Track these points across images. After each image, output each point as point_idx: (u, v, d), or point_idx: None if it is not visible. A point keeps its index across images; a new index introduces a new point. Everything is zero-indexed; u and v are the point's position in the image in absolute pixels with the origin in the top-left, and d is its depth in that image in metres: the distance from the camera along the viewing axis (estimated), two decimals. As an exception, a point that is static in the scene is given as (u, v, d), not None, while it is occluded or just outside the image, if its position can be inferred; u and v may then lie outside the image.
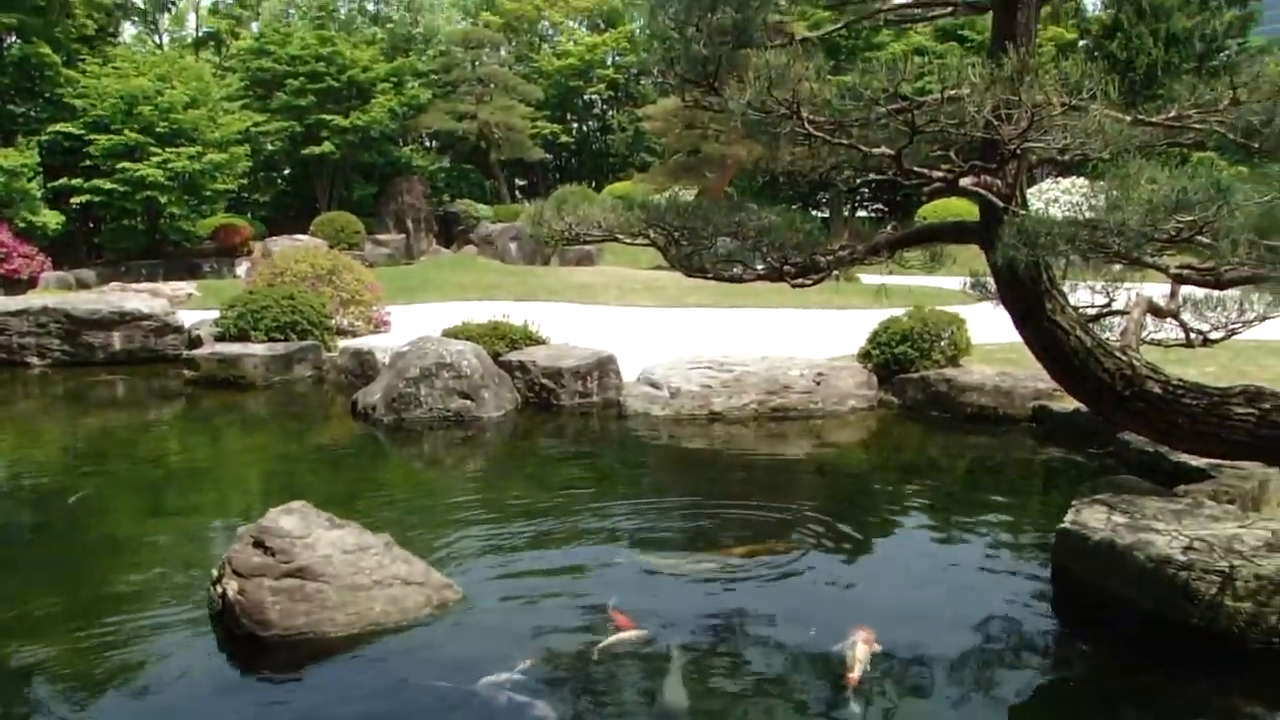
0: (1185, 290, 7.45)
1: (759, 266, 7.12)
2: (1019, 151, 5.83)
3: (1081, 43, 41.97)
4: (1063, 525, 6.39)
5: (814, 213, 39.45)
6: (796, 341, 15.81)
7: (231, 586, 5.97)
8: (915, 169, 6.07)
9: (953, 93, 5.29)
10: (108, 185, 29.69)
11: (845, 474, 10.61)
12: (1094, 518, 6.24)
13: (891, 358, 12.92)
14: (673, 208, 7.20)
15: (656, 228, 7.11)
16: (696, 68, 6.46)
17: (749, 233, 7.07)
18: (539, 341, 14.35)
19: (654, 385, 12.61)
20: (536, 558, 7.54)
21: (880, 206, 44.44)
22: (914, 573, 7.28)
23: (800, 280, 7.05)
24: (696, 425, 11.96)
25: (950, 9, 6.87)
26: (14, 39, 32.31)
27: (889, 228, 7.49)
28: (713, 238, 7.19)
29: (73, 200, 30.28)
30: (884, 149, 5.90)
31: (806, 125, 5.71)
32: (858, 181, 34.66)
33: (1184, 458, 8.35)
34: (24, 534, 8.90)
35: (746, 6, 6.76)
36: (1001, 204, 6.02)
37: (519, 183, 49.60)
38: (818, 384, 12.51)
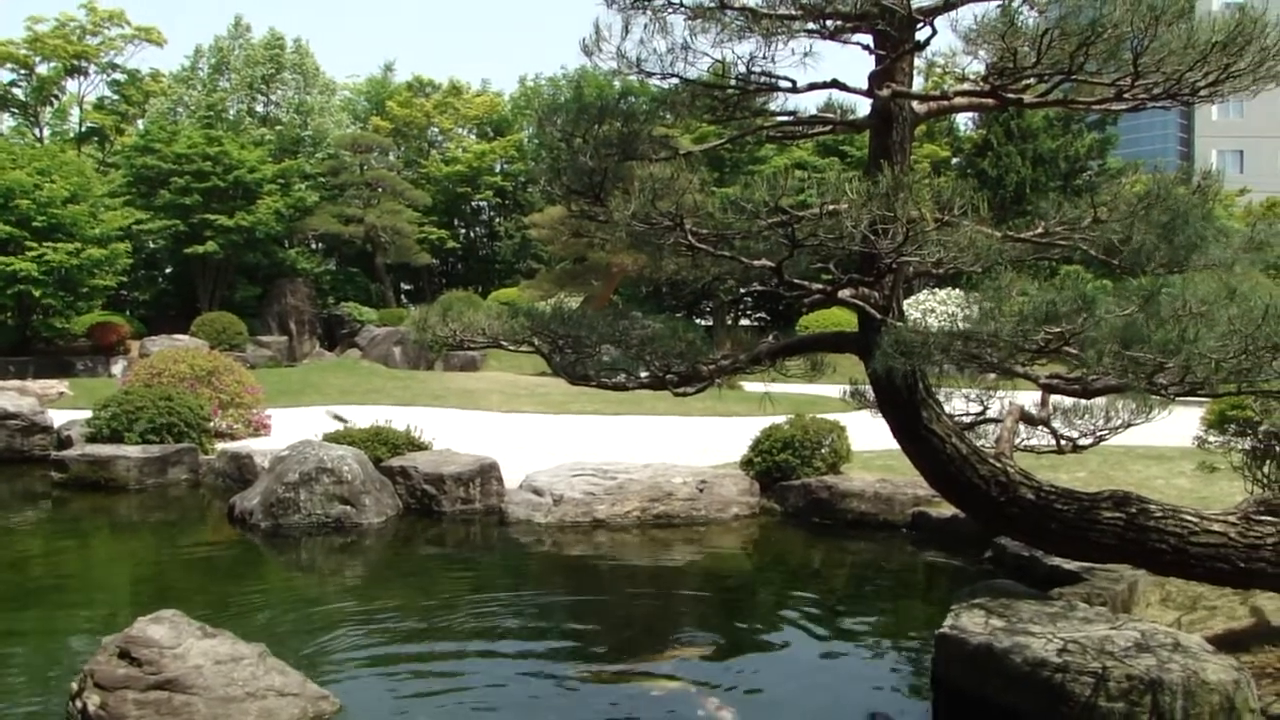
0: (1055, 399, 7.68)
1: (642, 375, 7.17)
2: (895, 264, 6.01)
3: (955, 160, 43.66)
4: (942, 630, 6.45)
5: (698, 321, 39.98)
6: (680, 449, 15.90)
7: (93, 700, 5.73)
8: (796, 280, 6.22)
9: (832, 207, 5.45)
10: (-23, 278, 28.93)
11: (727, 581, 10.62)
12: (972, 622, 6.32)
13: (773, 465, 13.05)
14: (557, 316, 7.24)
15: (541, 335, 7.13)
16: (583, 179, 6.56)
17: (633, 341, 7.12)
18: (422, 447, 14.21)
19: (537, 492, 12.53)
20: (416, 666, 7.38)
21: (763, 315, 45.18)
22: (793, 680, 7.27)
23: (683, 389, 7.11)
24: (579, 532, 11.90)
25: (830, 126, 7.10)
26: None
27: (770, 337, 7.63)
28: (597, 346, 7.23)
29: (-61, 295, 29.44)
30: (765, 261, 6.04)
31: (690, 237, 5.83)
32: (741, 291, 35.29)
33: (1058, 561, 8.56)
34: None
35: (633, 120, 6.92)
36: (879, 315, 6.18)
37: (405, 287, 49.44)
38: (701, 491, 12.56)
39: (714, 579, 10.58)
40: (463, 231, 51.82)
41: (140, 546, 12.33)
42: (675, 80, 6.54)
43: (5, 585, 10.31)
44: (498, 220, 51.03)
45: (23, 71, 43.05)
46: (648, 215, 5.74)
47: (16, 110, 43.90)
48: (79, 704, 5.83)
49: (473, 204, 50.51)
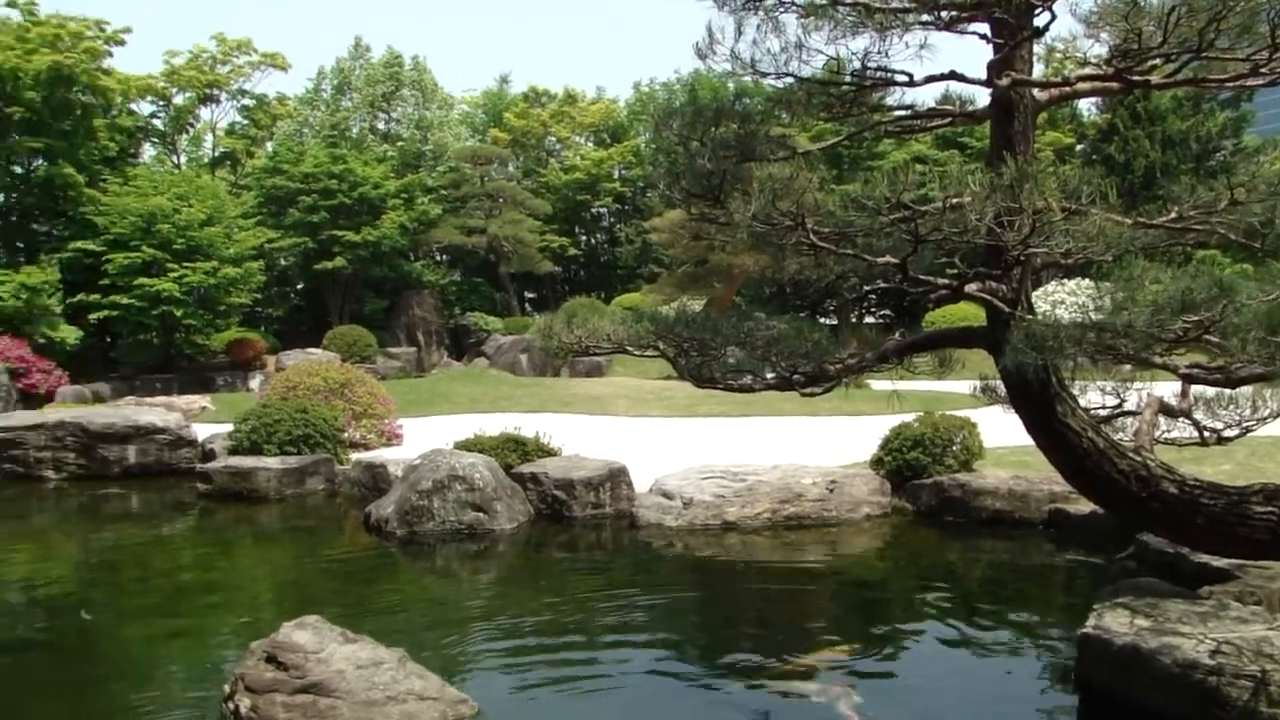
0: (1196, 389, 7.43)
1: (768, 376, 7.13)
2: (1022, 257, 5.88)
3: (1079, 147, 42.52)
4: (1084, 630, 6.30)
5: (822, 320, 39.64)
6: (808, 449, 15.78)
7: (244, 703, 5.92)
8: (920, 277, 6.12)
9: (955, 201, 5.35)
10: (125, 300, 30.26)
11: (860, 581, 10.51)
12: (1116, 622, 6.16)
13: (904, 464, 12.88)
14: (681, 319, 7.23)
15: (665, 339, 7.13)
16: (701, 181, 6.55)
17: (758, 342, 7.09)
18: (551, 453, 14.35)
19: (667, 496, 12.55)
20: (551, 670, 7.46)
21: (888, 312, 44.57)
22: (931, 682, 7.17)
23: (810, 389, 7.05)
24: (710, 535, 11.88)
25: (948, 119, 6.98)
26: (40, 161, 33.14)
27: (897, 334, 7.54)
28: (721, 348, 7.21)
29: (91, 316, 30.80)
30: (888, 258, 5.95)
31: (811, 236, 5.78)
32: (865, 289, 34.88)
33: (1205, 558, 8.26)
34: (36, 650, 8.83)
35: (749, 121, 6.89)
36: (1007, 308, 6.05)
37: (529, 295, 49.95)
38: (831, 491, 12.45)
39: (847, 579, 10.49)
40: (584, 238, 52.14)
41: (281, 554, 12.69)
42: (790, 79, 6.49)
43: (160, 591, 10.75)
44: (618, 226, 51.21)
45: (161, 102, 44.68)
46: (768, 216, 5.71)
47: (156, 139, 45.52)
48: (232, 705, 6.03)
49: (592, 210, 50.82)
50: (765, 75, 6.39)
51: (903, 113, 6.93)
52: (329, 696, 5.95)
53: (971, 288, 6.14)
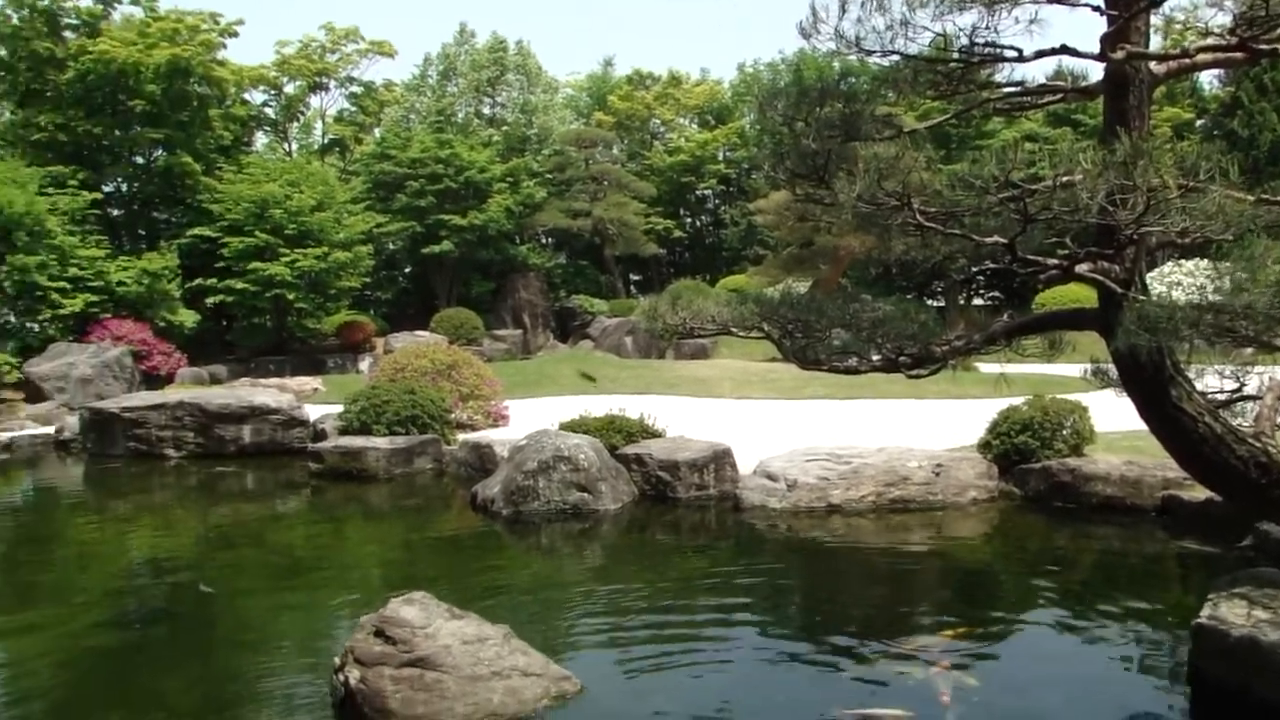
0: (1321, 374, 7.19)
1: (874, 358, 7.06)
2: (1136, 236, 5.74)
3: (1199, 122, 41.23)
4: (1199, 620, 6.15)
5: (929, 302, 39.10)
6: (914, 432, 15.60)
7: (353, 675, 6.06)
8: (1030, 257, 6.01)
9: (1065, 179, 5.24)
10: (240, 285, 31.19)
11: (966, 566, 10.37)
12: (1233, 613, 5.99)
13: (1012, 448, 12.66)
14: (786, 301, 7.20)
15: (770, 320, 7.11)
16: (806, 162, 6.50)
17: (864, 324, 7.02)
18: (655, 435, 14.39)
19: (771, 478, 12.52)
20: (654, 649, 7.49)
21: (996, 294, 43.83)
22: (1038, 670, 7.06)
23: (916, 371, 6.97)
24: (814, 518, 11.83)
25: (1060, 95, 6.82)
26: (159, 151, 34.20)
27: (1005, 316, 7.41)
28: (827, 330, 7.16)
29: (207, 300, 31.74)
30: (997, 238, 5.85)
31: (917, 216, 5.70)
32: (972, 270, 34.30)
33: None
34: (159, 620, 9.15)
35: (854, 100, 6.82)
36: (1120, 289, 5.91)
37: (634, 277, 50.13)
38: (937, 475, 12.30)
39: (952, 564, 10.36)
40: (688, 220, 52.10)
41: (389, 532, 12.95)
42: (896, 57, 6.40)
43: (274, 567, 11.07)
44: (722, 208, 51.08)
45: (272, 92, 45.74)
46: (873, 196, 5.65)
47: (268, 128, 46.60)
48: (342, 677, 6.18)
49: (697, 193, 50.74)
50: (870, 54, 6.31)
51: (1012, 89, 6.80)
52: (435, 670, 6.06)
53: (1082, 268, 6.01)
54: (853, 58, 6.58)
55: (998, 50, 6.23)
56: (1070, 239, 5.95)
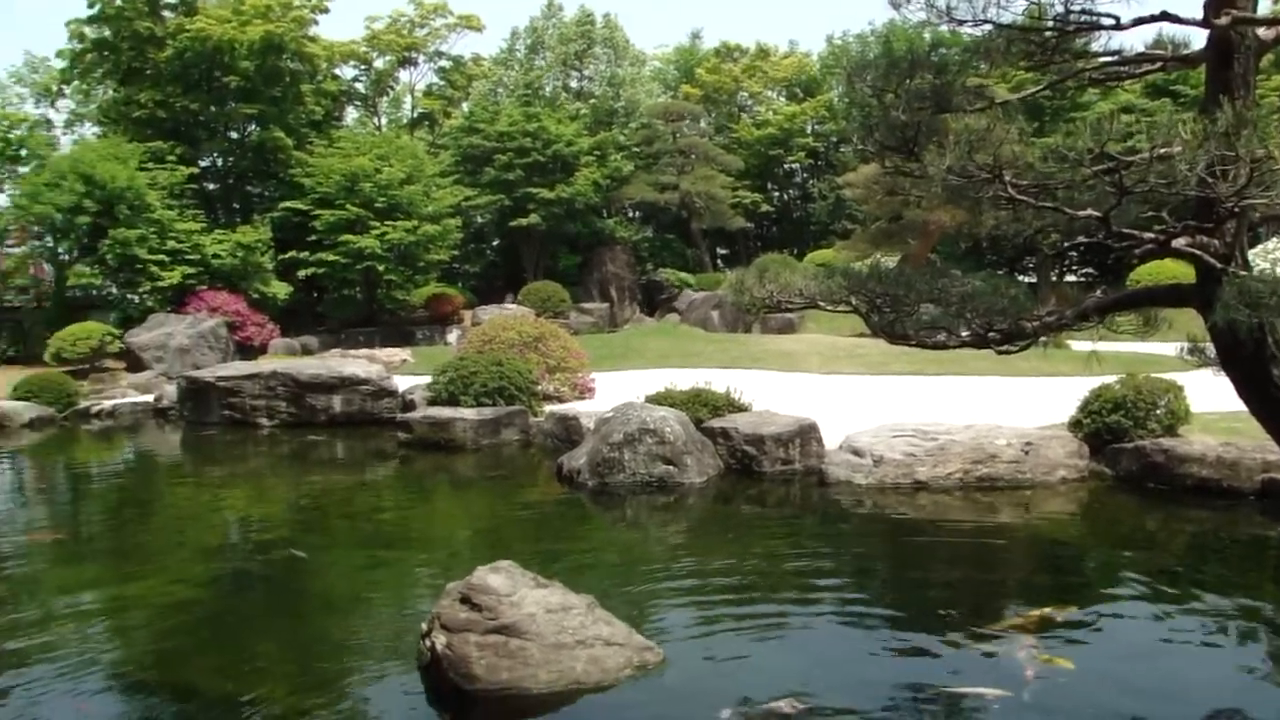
0: None
1: (963, 333, 6.96)
2: (1237, 209, 5.59)
3: (1309, 92, 39.89)
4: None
5: (1020, 278, 38.45)
6: (1003, 409, 15.39)
7: (440, 640, 6.16)
8: (1125, 231, 5.87)
9: (1163, 151, 5.11)
10: (331, 257, 31.78)
11: (1054, 546, 10.22)
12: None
13: (1104, 426, 12.44)
14: (874, 274, 7.12)
15: (858, 295, 7.03)
16: (896, 134, 6.41)
17: (953, 299, 6.92)
18: (741, 408, 14.37)
19: (857, 453, 12.45)
20: (736, 622, 7.52)
21: (1089, 270, 42.93)
22: (1127, 656, 6.91)
23: (1006, 347, 6.86)
24: (900, 494, 11.75)
25: (1159, 64, 6.65)
26: (253, 126, 34.89)
27: (1099, 291, 7.26)
28: (915, 305, 7.07)
29: (299, 272, 32.33)
30: (1091, 211, 5.73)
31: (1009, 189, 5.61)
32: (1065, 245, 33.65)
33: None
34: (252, 584, 9.40)
35: (945, 71, 6.70)
36: (1219, 265, 5.76)
37: (720, 251, 49.92)
38: (1026, 453, 12.14)
39: (1041, 544, 10.23)
40: (776, 194, 51.71)
41: (476, 501, 13.12)
42: (988, 26, 6.28)
43: (362, 534, 11.30)
44: (810, 181, 50.60)
45: (362, 67, 46.29)
46: (964, 168, 5.56)
47: (359, 103, 47.23)
48: (428, 643, 6.29)
49: (785, 166, 50.30)
50: (962, 23, 6.19)
51: (1109, 59, 6.62)
52: (519, 638, 6.13)
53: (1180, 242, 5.86)
54: (944, 28, 6.47)
55: (1094, 18, 6.08)
56: (1167, 213, 5.81)
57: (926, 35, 40.04)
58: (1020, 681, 6.19)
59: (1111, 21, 6.05)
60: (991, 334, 6.83)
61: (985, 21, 6.14)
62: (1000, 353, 7.04)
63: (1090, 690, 6.12)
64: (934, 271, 7.42)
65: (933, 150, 5.78)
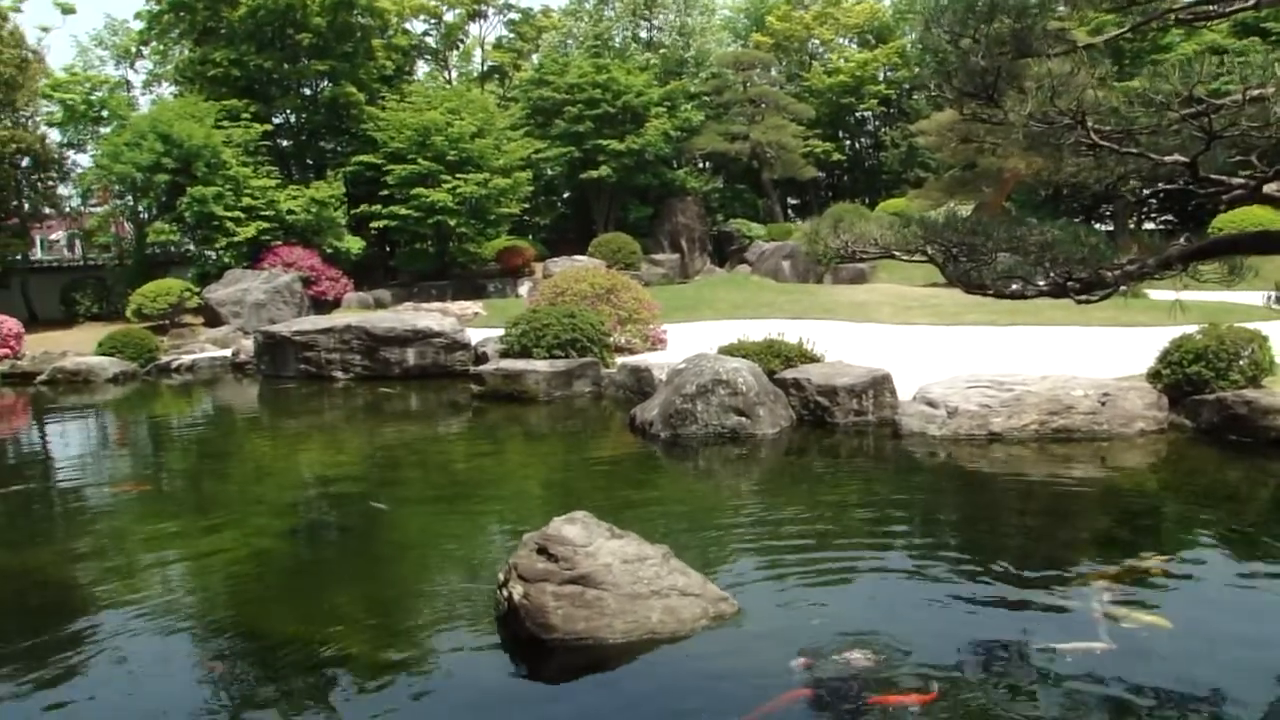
0: None
1: (1041, 283, 6.86)
2: (1332, 153, 5.44)
3: None
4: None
5: (1097, 226, 37.73)
6: (1079, 360, 15.17)
7: (517, 590, 6.24)
8: (1212, 177, 5.75)
9: (1256, 93, 4.98)
10: (403, 211, 32.00)
11: (1132, 500, 10.08)
12: None
13: (1184, 378, 12.21)
14: (950, 223, 7.04)
15: (934, 244, 6.96)
16: (974, 80, 6.30)
17: (1031, 248, 6.82)
18: (814, 359, 14.32)
19: (931, 404, 12.35)
20: (812, 575, 7.52)
21: (1169, 218, 42.02)
22: (1206, 611, 6.80)
23: (1085, 297, 6.76)
24: (975, 446, 11.65)
25: (1253, 1, 6.46)
26: (325, 82, 35.15)
27: (1182, 239, 7.10)
28: (993, 253, 6.98)
29: (372, 226, 32.66)
30: (1177, 157, 5.61)
31: (1092, 135, 5.50)
32: (1146, 193, 32.97)
33: None
34: (329, 535, 9.58)
35: (1025, 14, 6.57)
36: (1310, 210, 5.62)
37: (791, 201, 49.55)
38: (1103, 405, 11.96)
39: (1118, 497, 10.09)
40: (847, 143, 51.15)
41: (549, 453, 13.23)
42: (1072, -33, 6.14)
43: (437, 485, 11.46)
44: (882, 130, 49.98)
45: (433, 21, 46.36)
46: (1045, 114, 5.46)
47: (429, 56, 47.33)
48: (505, 592, 6.37)
49: (856, 114, 49.72)
50: (1046, -35, 6.06)
51: (1196, -1, 6.45)
52: (596, 588, 6.19)
53: (1271, 188, 5.72)
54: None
55: (1182, -43, 5.93)
56: (1257, 157, 5.66)
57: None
58: (1110, 634, 6.13)
59: (1202, -40, 5.88)
60: (1071, 283, 6.73)
61: (1068, -37, 6.00)
62: (1080, 302, 6.94)
63: (1183, 643, 6.06)
64: (1011, 220, 7.33)
65: (1013, 96, 5.69)
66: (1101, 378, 12.89)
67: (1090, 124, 5.48)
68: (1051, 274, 6.80)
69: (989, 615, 6.63)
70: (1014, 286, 6.94)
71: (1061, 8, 6.85)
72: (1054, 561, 7.79)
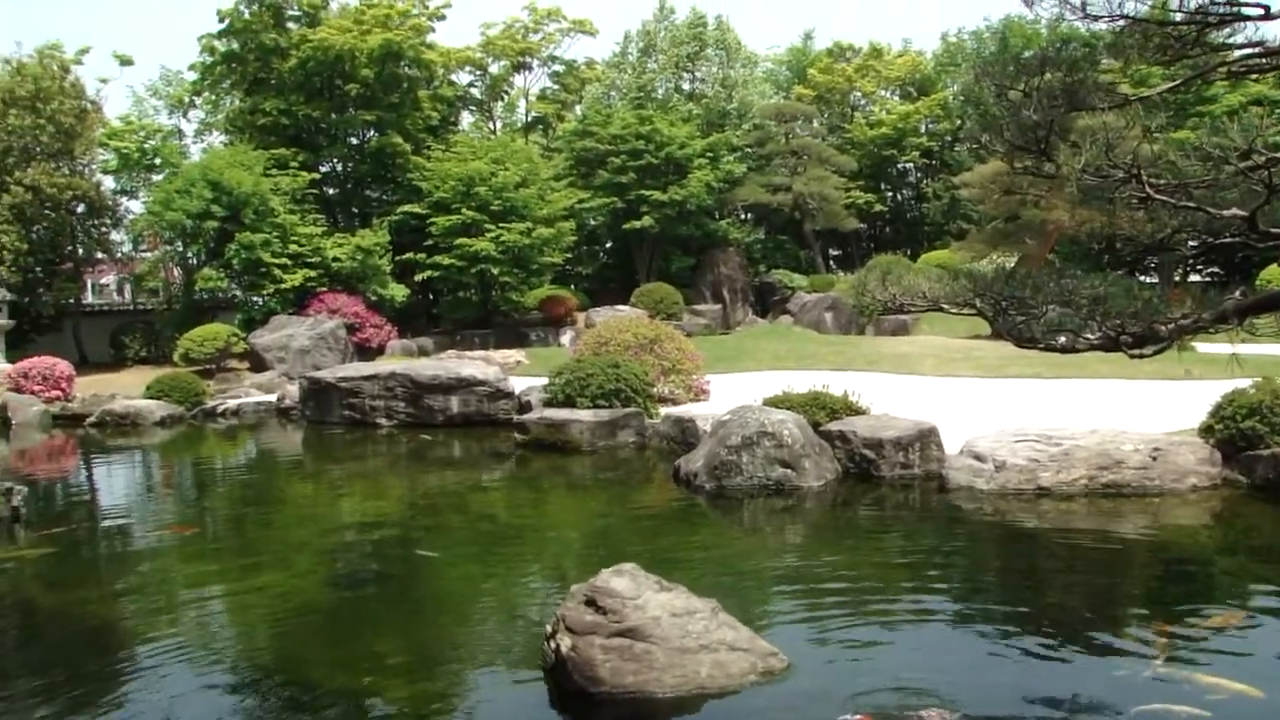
0: None
1: (1092, 336, 6.80)
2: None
3: None
4: None
5: (1142, 278, 37.43)
6: (1127, 414, 14.99)
7: (565, 642, 6.20)
8: (1272, 230, 5.68)
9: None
10: (447, 260, 32.28)
11: (1184, 557, 9.90)
12: None
13: (1237, 433, 12.02)
14: (1000, 276, 7.00)
15: (983, 297, 6.92)
16: (1026, 133, 6.28)
17: (1082, 301, 6.77)
18: (859, 412, 14.23)
19: (978, 458, 12.23)
20: (861, 630, 7.44)
21: (1215, 270, 41.61)
22: (1264, 675, 6.62)
23: (1138, 351, 6.69)
24: (1022, 500, 11.51)
25: (1306, 56, 6.41)
26: (372, 132, 35.67)
27: (1237, 293, 7.02)
28: (1042, 307, 6.93)
29: (416, 274, 32.94)
30: (1236, 211, 5.55)
31: (1147, 189, 5.46)
32: (1197, 246, 32.66)
33: None
34: (371, 581, 9.58)
35: (1076, 68, 6.55)
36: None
37: (833, 252, 49.56)
38: (1154, 460, 11.80)
39: (1169, 554, 9.92)
40: (889, 194, 51.17)
41: (593, 503, 13.19)
42: (1122, 21, 6.11)
43: (478, 534, 11.46)
44: (924, 181, 49.98)
45: (478, 72, 46.98)
46: (1099, 168, 5.43)
47: (474, 107, 47.93)
48: (553, 644, 6.33)
49: (898, 166, 49.76)
50: (1097, 18, 6.04)
51: (1250, 51, 6.41)
52: (644, 641, 6.14)
53: (1331, 241, 5.65)
54: (1076, 22, 6.31)
55: (1237, 8, 5.89)
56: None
57: (1043, 31, 39.26)
58: (1195, 699, 5.98)
59: (1258, 10, 5.84)
60: (1124, 337, 6.66)
61: (1120, 16, 5.98)
62: (1132, 356, 6.86)
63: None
64: (1059, 273, 7.27)
65: (1065, 149, 5.66)
66: (1152, 432, 12.73)
67: (1145, 177, 5.44)
68: (1104, 328, 6.73)
69: (1046, 671, 6.52)
70: (1062, 340, 6.88)
71: (1109, 60, 6.83)
72: (1110, 619, 7.66)
